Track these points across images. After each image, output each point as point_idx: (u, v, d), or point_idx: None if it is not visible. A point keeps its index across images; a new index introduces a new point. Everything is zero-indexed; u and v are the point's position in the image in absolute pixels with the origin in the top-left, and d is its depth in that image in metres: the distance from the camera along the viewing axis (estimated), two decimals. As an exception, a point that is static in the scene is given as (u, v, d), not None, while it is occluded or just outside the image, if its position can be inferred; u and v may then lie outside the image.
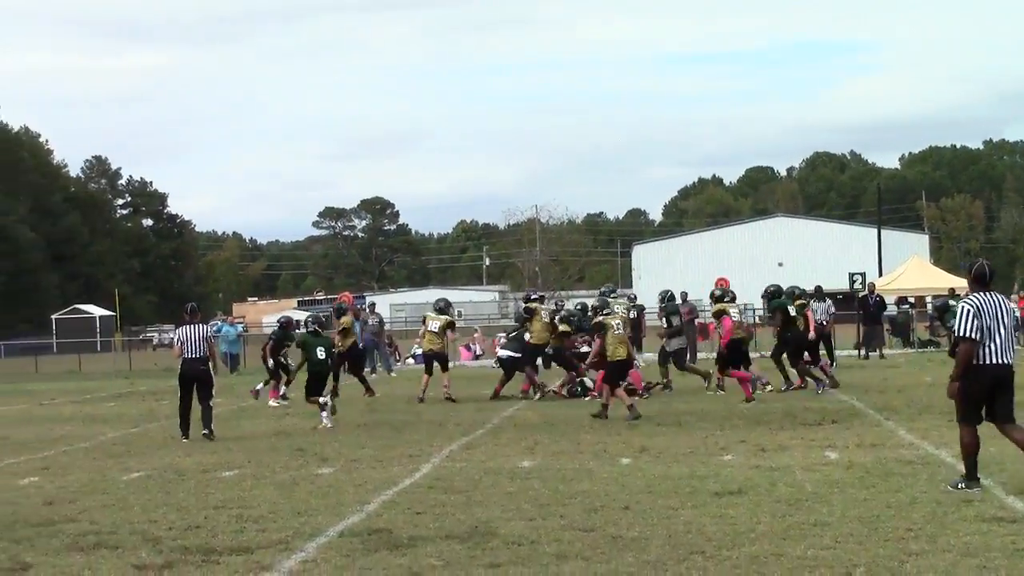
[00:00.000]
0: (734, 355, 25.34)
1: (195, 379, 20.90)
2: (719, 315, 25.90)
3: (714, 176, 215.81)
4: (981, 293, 12.68)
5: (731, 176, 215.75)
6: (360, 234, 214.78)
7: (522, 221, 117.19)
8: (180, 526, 11.92)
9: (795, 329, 26.56)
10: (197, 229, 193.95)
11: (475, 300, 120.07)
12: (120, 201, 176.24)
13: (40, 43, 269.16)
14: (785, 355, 26.75)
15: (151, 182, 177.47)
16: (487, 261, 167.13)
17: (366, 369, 31.67)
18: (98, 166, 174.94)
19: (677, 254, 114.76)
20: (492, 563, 9.79)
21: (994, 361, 12.48)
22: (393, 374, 38.32)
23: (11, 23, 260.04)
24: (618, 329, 22.54)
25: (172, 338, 23.61)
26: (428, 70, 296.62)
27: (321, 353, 23.41)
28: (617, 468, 15.12)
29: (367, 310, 44.24)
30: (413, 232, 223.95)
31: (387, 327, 43.65)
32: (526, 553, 10.13)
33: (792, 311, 26.79)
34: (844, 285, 55.86)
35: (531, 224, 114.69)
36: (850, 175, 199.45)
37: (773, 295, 27.59)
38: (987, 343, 12.45)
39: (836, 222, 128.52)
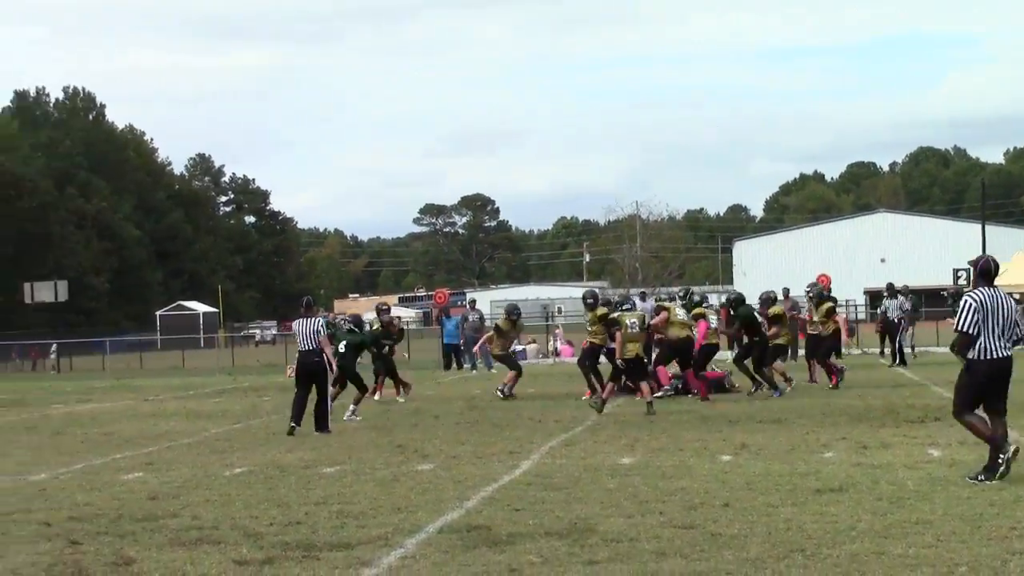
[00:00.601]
0: (703, 359, 25.81)
1: (310, 371, 21.28)
2: (696, 319, 26.18)
3: (816, 172, 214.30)
4: (984, 288, 13.20)
5: (833, 171, 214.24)
6: (460, 231, 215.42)
7: (622, 217, 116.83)
8: (281, 522, 12.01)
9: (762, 335, 26.37)
10: (299, 226, 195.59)
11: (575, 297, 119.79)
12: (223, 198, 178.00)
13: (145, 42, 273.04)
14: (750, 360, 26.49)
15: (254, 179, 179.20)
16: (587, 257, 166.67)
17: (465, 366, 31.83)
18: (202, 164, 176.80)
19: (778, 250, 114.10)
20: (591, 560, 9.77)
21: (994, 355, 13.00)
22: (493, 370, 38.37)
23: (117, 23, 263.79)
24: (632, 328, 23.08)
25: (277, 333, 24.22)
26: (530, 67, 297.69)
27: (342, 347, 23.75)
28: (717, 465, 15.05)
29: (468, 307, 44.39)
30: (513, 228, 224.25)
31: (487, 323, 43.74)
32: (625, 550, 10.10)
33: (759, 318, 26.91)
34: (948, 281, 55.25)
35: (631, 220, 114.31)
36: (954, 170, 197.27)
37: (736, 303, 27.28)
38: (987, 337, 12.99)
39: (939, 218, 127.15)
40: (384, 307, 28.54)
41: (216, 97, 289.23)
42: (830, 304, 28.50)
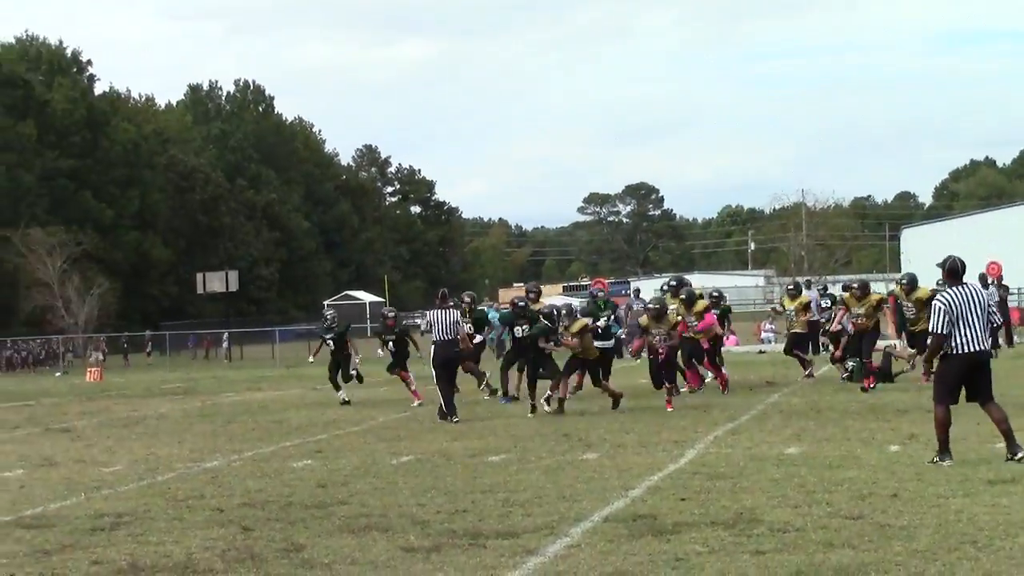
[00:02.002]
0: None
1: (448, 361, 21.55)
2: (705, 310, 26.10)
3: (987, 157, 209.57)
4: (955, 287, 13.88)
5: (1005, 157, 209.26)
6: (624, 219, 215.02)
7: (788, 205, 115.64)
8: (448, 510, 12.10)
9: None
10: (464, 216, 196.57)
11: (740, 285, 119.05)
12: (389, 189, 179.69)
13: (314, 35, 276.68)
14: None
15: (419, 170, 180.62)
16: (752, 246, 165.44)
17: (627, 355, 31.64)
18: (368, 155, 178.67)
19: (947, 238, 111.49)
20: (757, 550, 9.71)
21: (969, 349, 13.71)
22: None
23: (287, 16, 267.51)
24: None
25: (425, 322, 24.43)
26: (695, 55, 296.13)
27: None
28: (885, 455, 14.85)
29: (632, 295, 44.29)
30: (677, 217, 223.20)
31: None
32: (792, 540, 10.03)
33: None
34: None
35: (797, 208, 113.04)
36: None
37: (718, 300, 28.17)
38: (963, 332, 13.70)
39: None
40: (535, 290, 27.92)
41: (383, 88, 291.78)
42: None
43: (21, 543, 11.12)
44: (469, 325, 25.88)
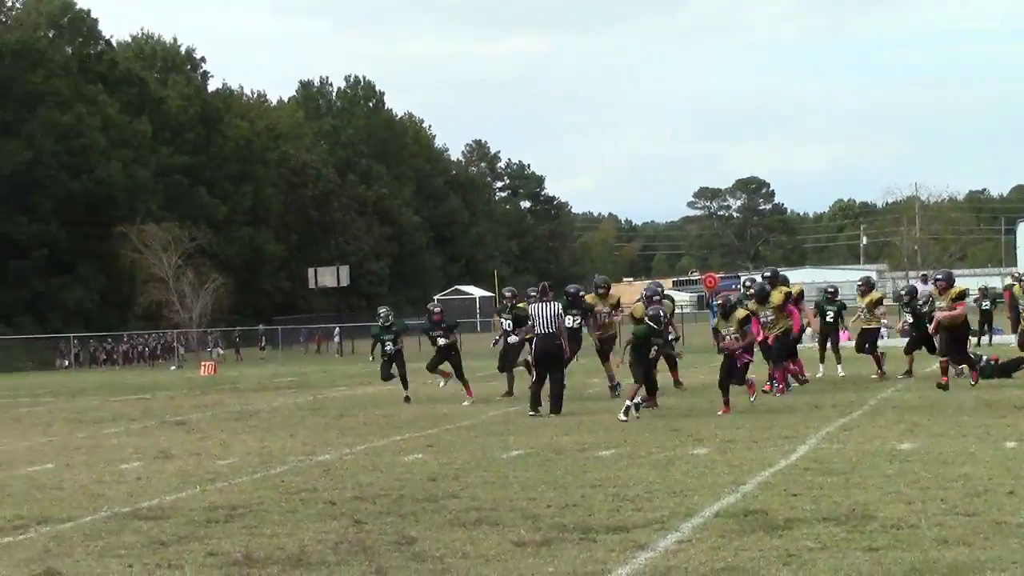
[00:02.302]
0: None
1: (548, 355, 21.53)
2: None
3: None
4: None
5: None
6: (735, 214, 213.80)
7: (901, 199, 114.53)
8: (558, 504, 12.11)
9: None
10: (573, 211, 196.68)
11: (852, 280, 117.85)
12: (499, 184, 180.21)
13: (425, 31, 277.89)
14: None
15: (528, 165, 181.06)
16: (864, 240, 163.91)
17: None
18: (478, 150, 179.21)
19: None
20: (870, 547, 9.62)
21: None
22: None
23: (397, 12, 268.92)
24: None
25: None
26: (806, 47, 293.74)
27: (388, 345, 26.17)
28: (1001, 451, 14.66)
29: (741, 290, 44.04)
30: (788, 211, 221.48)
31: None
32: (905, 537, 9.93)
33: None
34: None
35: (910, 202, 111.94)
36: None
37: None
38: None
39: None
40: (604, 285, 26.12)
41: (493, 83, 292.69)
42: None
43: (138, 534, 11.29)
44: (509, 321, 25.87)
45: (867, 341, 27.76)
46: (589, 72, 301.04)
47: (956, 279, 24.85)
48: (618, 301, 25.62)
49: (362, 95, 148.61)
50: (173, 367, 61.33)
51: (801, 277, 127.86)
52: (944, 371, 23.68)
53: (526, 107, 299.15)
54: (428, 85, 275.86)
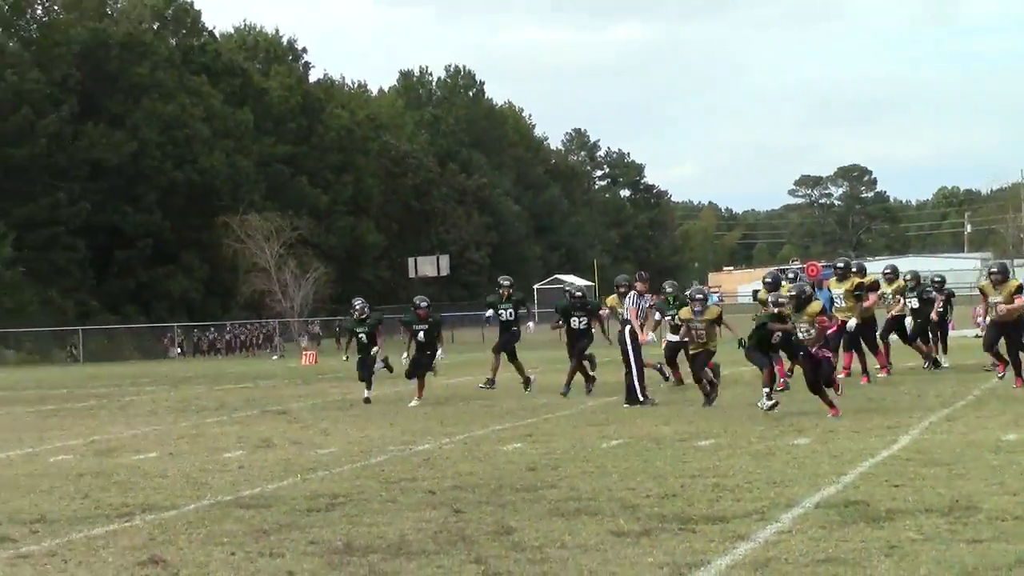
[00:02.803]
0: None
1: (640, 345, 21.62)
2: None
3: None
4: None
5: None
6: (837, 202, 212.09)
7: (1006, 186, 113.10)
8: (657, 494, 12.09)
9: None
10: (673, 199, 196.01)
11: (956, 268, 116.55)
12: (598, 173, 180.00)
13: (527, 20, 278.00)
14: None
15: (628, 153, 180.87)
16: (968, 227, 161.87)
17: None
18: (577, 138, 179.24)
19: None
20: (974, 539, 9.51)
21: None
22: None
23: (498, 2, 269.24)
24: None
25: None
26: (911, 33, 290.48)
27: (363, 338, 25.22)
28: (1108, 444, 14.45)
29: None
30: (891, 199, 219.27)
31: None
32: (1011, 529, 9.80)
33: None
34: None
35: (1015, 188, 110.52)
36: None
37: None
38: None
39: None
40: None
41: (593, 72, 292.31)
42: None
43: (241, 522, 11.40)
44: (509, 311, 25.77)
45: (896, 330, 26.89)
46: (691, 60, 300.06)
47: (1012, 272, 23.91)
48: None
49: (462, 84, 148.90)
50: (275, 356, 61.85)
51: (905, 265, 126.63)
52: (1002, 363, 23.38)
53: (626, 96, 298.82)
54: (528, 74, 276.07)
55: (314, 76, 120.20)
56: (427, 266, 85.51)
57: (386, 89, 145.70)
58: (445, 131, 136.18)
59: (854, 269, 25.33)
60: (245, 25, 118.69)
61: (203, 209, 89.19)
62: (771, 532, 10.06)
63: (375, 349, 25.22)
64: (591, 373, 25.21)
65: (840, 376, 23.03)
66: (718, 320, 21.56)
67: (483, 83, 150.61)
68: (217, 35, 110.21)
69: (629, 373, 21.78)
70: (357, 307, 25.84)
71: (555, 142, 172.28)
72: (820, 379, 18.92)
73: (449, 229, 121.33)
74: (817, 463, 13.70)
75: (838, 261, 26.46)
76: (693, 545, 9.68)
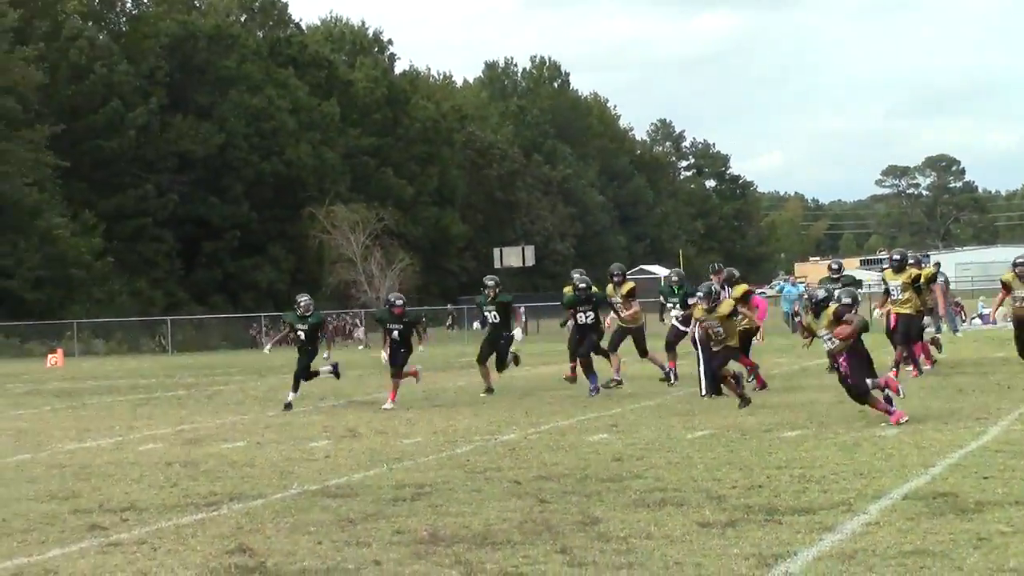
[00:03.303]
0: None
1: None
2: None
3: None
4: None
5: None
6: (924, 192, 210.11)
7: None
8: (743, 485, 12.05)
9: None
10: (759, 190, 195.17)
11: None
12: (684, 163, 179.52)
13: (613, 10, 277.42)
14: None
15: (713, 144, 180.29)
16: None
17: (928, 329, 29.54)
18: (663, 129, 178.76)
19: None
20: (1064, 532, 9.42)
21: None
22: (959, 334, 37.26)
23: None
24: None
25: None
26: (1000, 21, 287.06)
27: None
28: None
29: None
30: (980, 189, 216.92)
31: (952, 286, 42.46)
32: (1101, 523, 9.70)
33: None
34: None
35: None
36: None
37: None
38: None
39: None
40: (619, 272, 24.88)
41: (679, 62, 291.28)
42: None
43: (327, 511, 11.48)
44: (494, 314, 24.27)
45: (903, 330, 23.71)
46: (777, 50, 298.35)
47: None
48: (631, 291, 24.54)
49: (547, 75, 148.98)
50: (360, 347, 62.08)
51: (993, 256, 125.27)
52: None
53: (712, 86, 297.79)
54: (613, 65, 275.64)
55: (399, 67, 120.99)
56: (512, 257, 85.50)
57: (471, 80, 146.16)
58: (530, 122, 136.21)
59: (911, 261, 24.33)
60: (331, 17, 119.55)
61: (289, 200, 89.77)
62: (858, 524, 10.00)
63: (325, 355, 24.15)
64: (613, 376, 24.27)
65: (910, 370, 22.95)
66: (734, 312, 20.35)
67: (568, 74, 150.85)
68: (303, 27, 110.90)
69: (700, 363, 21.62)
70: (302, 303, 24.22)
71: (640, 133, 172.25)
72: (857, 388, 16.63)
73: (534, 220, 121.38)
74: (904, 454, 13.60)
75: (894, 253, 24.71)
76: (779, 536, 9.64)
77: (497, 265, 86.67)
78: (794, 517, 10.34)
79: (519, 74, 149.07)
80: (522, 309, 59.64)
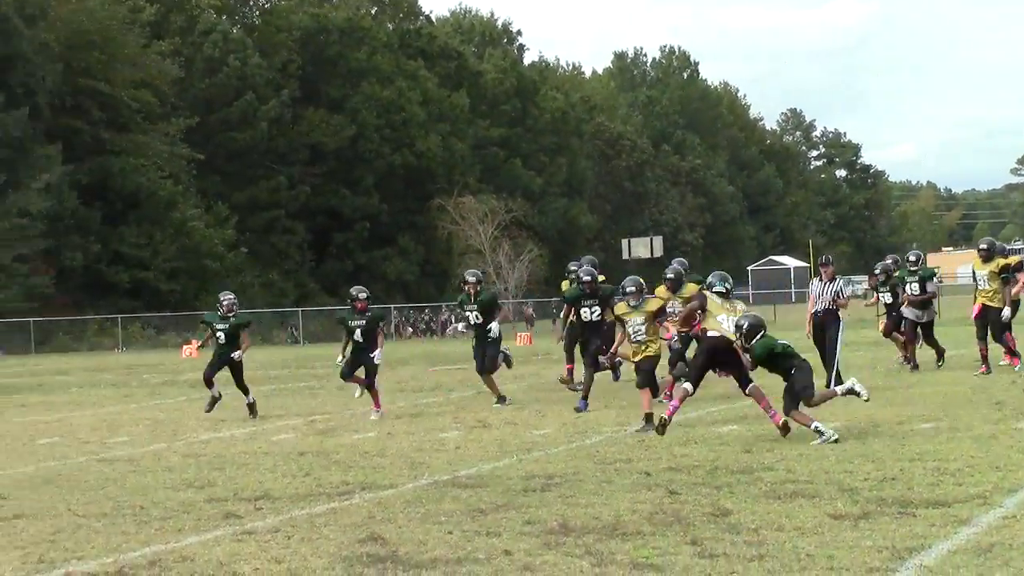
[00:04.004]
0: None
1: (823, 330, 21.20)
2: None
3: None
4: None
5: None
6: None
7: None
8: (876, 477, 11.92)
9: None
10: (890, 179, 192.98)
11: None
12: (814, 153, 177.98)
13: (746, 0, 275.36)
14: None
15: (844, 133, 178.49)
16: None
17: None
18: (793, 118, 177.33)
19: None
20: None
21: None
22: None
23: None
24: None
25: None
26: None
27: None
28: None
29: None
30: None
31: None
32: None
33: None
34: None
35: None
36: None
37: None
38: None
39: None
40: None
41: (809, 51, 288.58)
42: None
43: (458, 502, 11.53)
44: (476, 314, 22.03)
45: (999, 325, 22.64)
46: (910, 38, 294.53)
47: None
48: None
49: (677, 65, 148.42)
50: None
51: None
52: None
53: (843, 75, 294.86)
54: (743, 55, 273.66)
55: (528, 59, 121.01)
56: (640, 247, 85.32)
57: (600, 71, 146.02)
58: (659, 112, 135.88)
59: (998, 249, 23.21)
60: (460, 8, 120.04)
61: (419, 192, 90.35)
62: (994, 517, 9.86)
63: (238, 353, 21.37)
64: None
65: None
66: (661, 312, 18.51)
67: (698, 64, 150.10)
68: (433, 19, 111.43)
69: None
70: (225, 302, 21.28)
71: (770, 123, 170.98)
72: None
73: (663, 210, 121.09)
74: (1042, 448, 13.39)
75: (981, 242, 23.48)
76: (913, 529, 9.54)
77: (625, 256, 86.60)
78: (928, 510, 10.22)
79: (648, 64, 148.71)
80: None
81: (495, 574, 8.75)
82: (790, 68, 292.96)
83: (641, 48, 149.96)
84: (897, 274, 24.86)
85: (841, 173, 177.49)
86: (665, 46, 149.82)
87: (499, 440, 16.24)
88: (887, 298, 25.13)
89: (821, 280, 21.81)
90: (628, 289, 17.94)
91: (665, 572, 8.57)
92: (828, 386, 20.46)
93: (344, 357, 20.75)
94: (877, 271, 25.70)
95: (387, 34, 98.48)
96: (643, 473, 12.78)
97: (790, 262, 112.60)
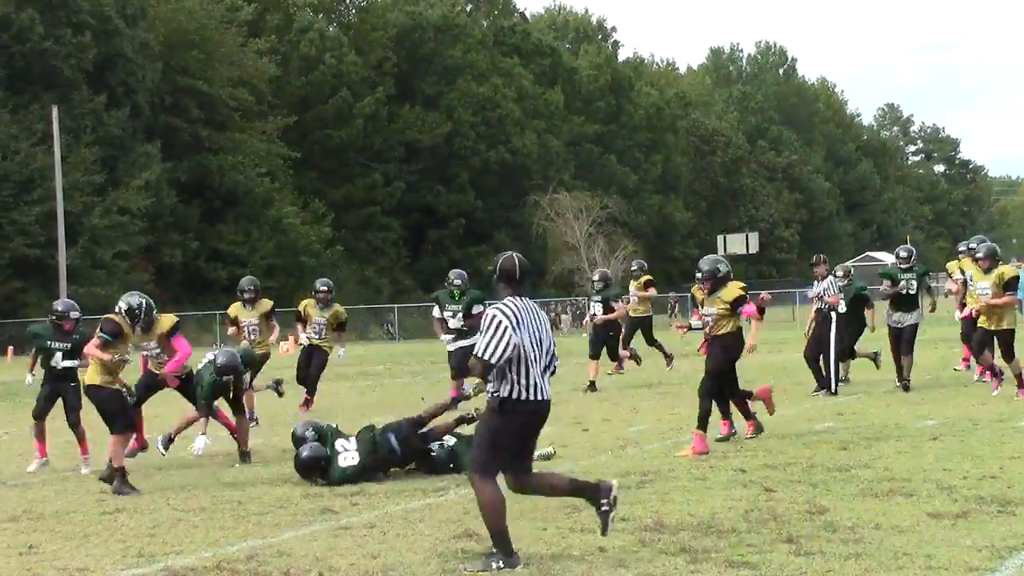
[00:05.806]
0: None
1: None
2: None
3: None
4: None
5: None
6: None
7: None
8: (975, 475, 11.80)
9: None
10: (990, 175, 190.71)
11: None
12: (911, 148, 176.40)
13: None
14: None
15: (943, 128, 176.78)
16: None
17: None
18: (890, 114, 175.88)
19: None
20: None
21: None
22: None
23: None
24: None
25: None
26: None
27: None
28: None
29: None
30: None
31: None
32: None
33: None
34: None
35: None
36: None
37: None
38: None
39: None
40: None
41: (907, 45, 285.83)
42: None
43: (553, 499, 11.53)
44: (459, 316, 21.48)
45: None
46: (1010, 32, 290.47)
47: None
48: (645, 284, 26.38)
49: (773, 61, 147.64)
50: (584, 334, 62.35)
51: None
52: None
53: (942, 70, 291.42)
54: (840, 50, 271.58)
55: (623, 55, 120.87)
56: (736, 243, 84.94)
57: (695, 67, 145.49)
58: (754, 108, 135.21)
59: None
60: (555, 5, 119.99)
61: (514, 188, 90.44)
62: (1096, 517, 9.73)
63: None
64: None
65: None
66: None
67: (795, 59, 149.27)
68: (528, 16, 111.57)
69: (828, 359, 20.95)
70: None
71: (867, 118, 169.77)
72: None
73: (758, 207, 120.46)
74: None
75: (979, 249, 20.06)
76: (1013, 528, 9.44)
77: (721, 252, 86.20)
78: (1029, 509, 10.11)
79: (744, 60, 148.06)
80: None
81: (589, 571, 8.76)
82: (888, 63, 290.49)
83: (737, 44, 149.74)
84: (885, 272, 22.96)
85: (940, 168, 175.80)
86: (761, 41, 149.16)
87: (593, 437, 16.24)
88: (841, 307, 21.95)
89: (818, 280, 21.64)
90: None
91: (760, 570, 8.54)
92: (829, 388, 20.37)
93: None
94: (839, 274, 23.50)
95: (482, 31, 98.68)
96: (738, 470, 12.74)
97: (888, 258, 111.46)
